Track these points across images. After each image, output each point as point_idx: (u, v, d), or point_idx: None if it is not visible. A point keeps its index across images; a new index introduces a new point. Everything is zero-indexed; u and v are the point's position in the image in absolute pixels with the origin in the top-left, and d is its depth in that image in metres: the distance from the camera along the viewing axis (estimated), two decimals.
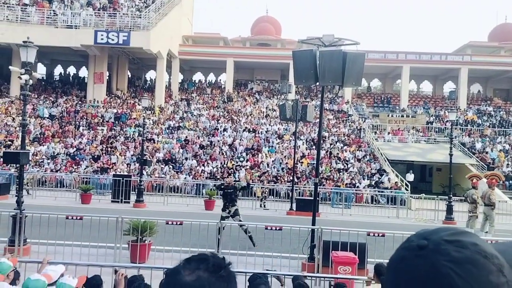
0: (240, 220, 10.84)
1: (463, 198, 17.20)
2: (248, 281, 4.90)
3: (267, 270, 7.02)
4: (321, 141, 14.28)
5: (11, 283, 4.47)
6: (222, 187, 11.30)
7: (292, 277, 5.66)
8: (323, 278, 7.48)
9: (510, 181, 26.04)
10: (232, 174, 24.44)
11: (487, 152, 29.15)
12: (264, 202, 20.16)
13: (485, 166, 26.99)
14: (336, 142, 29.08)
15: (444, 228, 0.85)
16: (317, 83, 9.17)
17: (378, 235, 9.05)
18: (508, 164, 27.93)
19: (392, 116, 34.98)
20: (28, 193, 19.34)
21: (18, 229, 9.41)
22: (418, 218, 18.72)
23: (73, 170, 24.42)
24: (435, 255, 0.78)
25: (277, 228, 9.55)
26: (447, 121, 31.39)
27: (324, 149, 27.04)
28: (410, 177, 26.40)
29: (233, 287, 1.10)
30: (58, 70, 43.09)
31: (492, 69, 37.02)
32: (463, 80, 36.18)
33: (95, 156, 26.29)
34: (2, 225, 9.41)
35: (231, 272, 1.12)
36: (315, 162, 12.78)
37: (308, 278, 6.33)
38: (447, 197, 18.34)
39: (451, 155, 18.85)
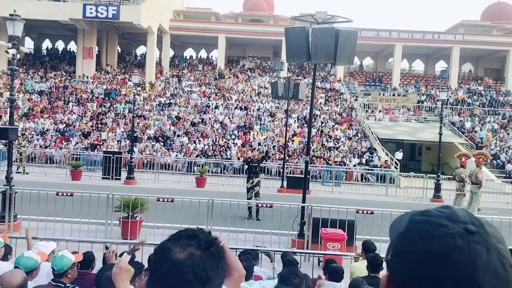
0: (257, 192, 12.23)
1: (451, 176, 17.47)
2: (238, 256, 4.98)
3: (257, 246, 7.12)
4: (313, 119, 14.28)
5: (3, 259, 4.49)
6: (249, 160, 13.12)
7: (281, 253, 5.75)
8: (312, 254, 7.61)
9: (498, 160, 26.42)
10: (223, 151, 24.49)
11: (476, 132, 29.45)
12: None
13: (474, 145, 27.32)
14: (327, 120, 29.14)
15: (458, 209, 0.82)
16: (310, 61, 9.11)
17: (367, 213, 9.19)
18: (496, 144, 28.28)
19: (383, 95, 35.03)
20: (18, 169, 19.21)
21: (8, 205, 9.39)
22: (407, 196, 18.99)
23: (63, 146, 24.24)
24: (489, 238, 0.75)
25: (268, 205, 9.65)
26: (437, 100, 31.53)
27: (316, 127, 27.09)
28: (399, 155, 26.59)
29: (223, 264, 1.11)
30: (46, 44, 42.25)
31: (484, 49, 37.04)
32: (455, 59, 36.20)
33: (85, 133, 26.09)
34: None
35: (221, 248, 1.12)
36: (306, 140, 12.85)
37: (298, 254, 6.44)
38: (435, 175, 18.59)
39: (440, 134, 19.02)
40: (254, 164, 12.57)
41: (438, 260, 0.75)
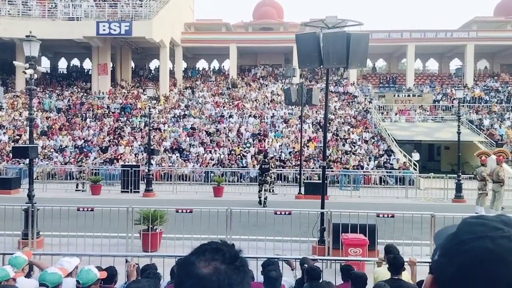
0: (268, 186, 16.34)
1: (472, 175, 17.13)
2: (262, 266, 4.96)
3: (277, 254, 7.08)
4: (328, 124, 14.28)
5: (27, 276, 4.56)
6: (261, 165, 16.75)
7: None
8: (333, 261, 7.54)
9: None
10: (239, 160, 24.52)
11: (495, 129, 28.91)
12: (273, 187, 20.18)
13: (494, 142, 26.78)
14: (342, 124, 28.96)
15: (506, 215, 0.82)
16: (322, 66, 9.09)
17: (388, 216, 9.07)
18: None
19: (398, 96, 34.67)
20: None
21: (31, 222, 9.54)
22: (427, 198, 18.69)
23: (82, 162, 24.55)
24: None
25: (287, 213, 9.60)
26: (454, 99, 31.07)
27: (331, 132, 26.95)
28: (416, 156, 26.13)
29: (248, 278, 1.09)
30: (62, 63, 43.17)
31: (498, 44, 36.46)
32: (470, 57, 35.69)
33: (103, 147, 26.44)
34: (15, 219, 9.54)
35: (245, 262, 1.11)
36: (322, 145, 12.78)
37: (319, 261, 6.38)
38: (456, 175, 18.26)
39: (459, 133, 18.72)
40: (266, 167, 16.08)
41: (492, 260, 0.73)
